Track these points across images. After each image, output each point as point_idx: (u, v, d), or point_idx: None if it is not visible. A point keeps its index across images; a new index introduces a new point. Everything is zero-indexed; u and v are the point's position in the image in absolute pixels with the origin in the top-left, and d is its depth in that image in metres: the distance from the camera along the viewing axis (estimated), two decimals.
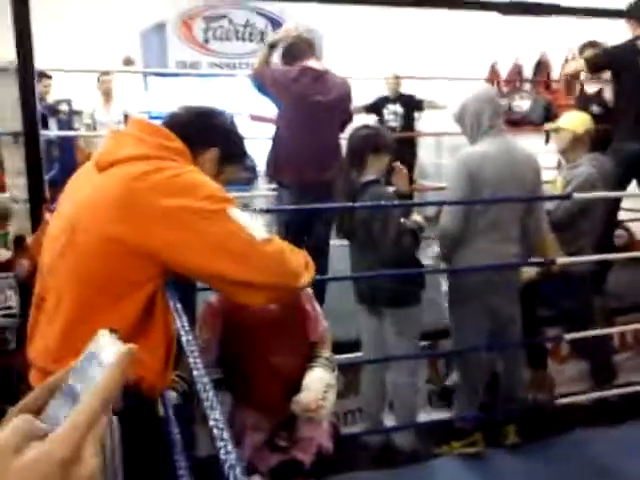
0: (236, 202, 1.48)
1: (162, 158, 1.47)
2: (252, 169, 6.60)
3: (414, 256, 2.88)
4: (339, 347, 3.29)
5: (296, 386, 2.00)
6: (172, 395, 1.80)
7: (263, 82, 3.49)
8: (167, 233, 1.38)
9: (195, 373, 1.06)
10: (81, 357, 0.57)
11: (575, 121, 3.58)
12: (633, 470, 2.85)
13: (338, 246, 3.49)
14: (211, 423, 0.88)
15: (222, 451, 0.81)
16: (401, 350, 2.89)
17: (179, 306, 1.36)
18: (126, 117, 6.60)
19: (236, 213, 1.42)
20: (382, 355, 2.97)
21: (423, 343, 3.28)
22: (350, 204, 2.82)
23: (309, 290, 2.13)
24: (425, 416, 3.30)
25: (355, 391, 3.34)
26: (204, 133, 1.63)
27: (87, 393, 0.53)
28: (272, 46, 3.52)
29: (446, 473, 2.97)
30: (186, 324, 1.27)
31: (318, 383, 1.97)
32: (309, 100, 3.38)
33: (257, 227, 1.45)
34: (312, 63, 3.46)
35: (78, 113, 7.00)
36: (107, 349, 0.58)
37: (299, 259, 1.55)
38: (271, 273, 1.45)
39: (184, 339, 1.22)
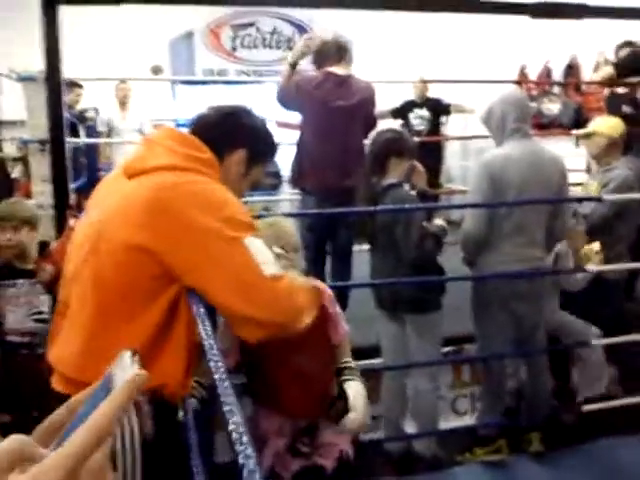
0: (254, 227, 1.48)
1: (190, 170, 1.47)
2: (277, 174, 6.62)
3: (435, 261, 2.86)
4: (360, 353, 3.29)
5: (319, 389, 2.00)
6: (191, 401, 1.80)
7: (288, 96, 3.49)
8: (186, 249, 1.39)
9: (216, 376, 1.05)
10: (101, 379, 0.58)
11: (610, 125, 3.56)
12: None
13: (359, 251, 3.48)
14: (231, 427, 0.87)
15: (241, 455, 0.80)
16: (422, 356, 2.86)
17: (202, 310, 1.35)
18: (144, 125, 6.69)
19: (252, 243, 1.42)
20: (403, 361, 2.94)
21: (447, 349, 3.24)
22: (371, 208, 2.81)
23: (330, 292, 2.12)
24: (447, 423, 3.26)
25: (376, 398, 3.31)
26: (231, 135, 1.62)
27: (87, 422, 0.51)
28: (294, 66, 3.51)
29: None
30: (209, 328, 1.26)
31: (361, 399, 1.97)
32: (331, 105, 3.38)
33: (269, 261, 1.44)
34: (335, 68, 3.46)
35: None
36: (122, 374, 0.58)
37: (305, 297, 1.55)
38: (276, 312, 1.45)
39: (206, 344, 1.22)
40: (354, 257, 3.65)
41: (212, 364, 1.10)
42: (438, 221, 2.82)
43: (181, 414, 1.62)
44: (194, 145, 1.54)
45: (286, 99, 3.51)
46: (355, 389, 1.98)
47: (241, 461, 0.78)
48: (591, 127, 3.64)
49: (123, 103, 6.63)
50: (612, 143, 3.48)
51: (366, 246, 3.07)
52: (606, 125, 3.56)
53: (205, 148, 1.54)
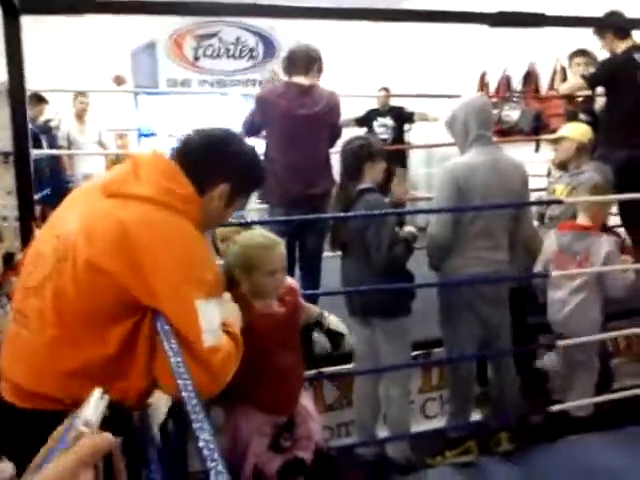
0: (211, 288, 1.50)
1: (167, 206, 1.48)
2: None
3: (404, 266, 2.90)
4: (332, 359, 3.31)
5: (297, 383, 2.16)
6: (158, 413, 1.81)
7: (252, 120, 3.53)
8: (148, 288, 1.42)
9: (184, 395, 1.06)
10: (70, 418, 0.60)
11: (579, 131, 3.71)
12: (627, 476, 2.84)
13: (330, 257, 3.50)
14: (201, 444, 0.88)
15: (212, 472, 0.81)
16: (392, 361, 2.89)
17: (167, 328, 1.37)
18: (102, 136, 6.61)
19: (205, 307, 1.44)
20: (374, 366, 2.97)
21: (416, 353, 3.28)
22: (341, 214, 2.85)
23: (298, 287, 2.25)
24: (418, 427, 3.29)
25: (348, 403, 3.33)
26: (215, 169, 1.60)
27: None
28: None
29: None
30: (175, 346, 1.28)
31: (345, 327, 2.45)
32: (294, 114, 3.40)
33: (213, 329, 1.46)
34: (296, 79, 3.48)
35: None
36: (86, 415, 0.60)
37: (234, 360, 1.56)
38: (202, 382, 1.40)
39: (173, 361, 1.23)
40: (324, 263, 3.66)
41: (180, 382, 1.11)
42: (409, 228, 2.87)
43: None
44: (176, 179, 1.54)
45: (250, 124, 3.54)
46: (338, 324, 2.42)
47: (213, 478, 0.79)
48: (561, 132, 3.78)
49: (80, 116, 6.56)
50: (581, 148, 3.63)
51: (335, 252, 3.09)
52: (576, 131, 3.72)
53: (186, 183, 1.54)
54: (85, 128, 6.59)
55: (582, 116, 4.39)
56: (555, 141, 3.76)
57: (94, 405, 0.62)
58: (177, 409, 2.07)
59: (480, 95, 3.47)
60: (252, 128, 3.56)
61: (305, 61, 3.50)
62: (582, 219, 3.28)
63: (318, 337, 2.38)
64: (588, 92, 4.37)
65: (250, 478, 2.02)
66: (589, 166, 3.59)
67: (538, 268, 3.40)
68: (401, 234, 2.80)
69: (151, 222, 1.45)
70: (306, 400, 2.26)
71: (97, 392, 0.64)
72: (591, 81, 4.19)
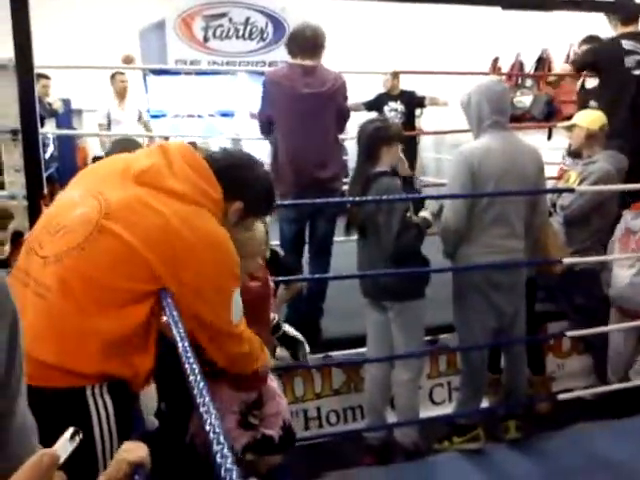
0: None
1: (201, 205, 1.56)
2: None
3: (419, 252, 2.87)
4: (340, 344, 3.31)
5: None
6: (151, 399, 1.83)
7: (262, 110, 3.52)
8: (186, 279, 1.51)
9: (191, 378, 1.09)
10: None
11: (589, 118, 3.62)
12: (634, 464, 2.83)
13: (343, 242, 3.48)
14: (207, 427, 0.91)
15: (218, 455, 0.82)
16: (405, 345, 2.88)
17: (175, 314, 1.39)
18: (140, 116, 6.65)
19: (235, 297, 1.63)
20: (386, 350, 2.95)
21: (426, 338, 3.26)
22: (356, 198, 2.83)
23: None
24: (425, 413, 3.28)
25: (356, 388, 3.33)
26: (235, 186, 1.67)
27: None
28: None
29: (447, 469, 2.95)
30: (182, 332, 1.30)
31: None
32: (300, 93, 3.35)
33: (239, 313, 1.66)
34: (300, 60, 3.43)
35: (78, 112, 6.99)
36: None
37: (257, 345, 1.84)
38: (244, 352, 1.75)
39: (180, 346, 1.25)
40: (339, 248, 3.64)
41: (187, 366, 1.14)
42: (424, 213, 2.84)
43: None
44: (210, 181, 1.60)
45: (262, 115, 3.54)
46: (293, 331, 2.38)
47: (218, 460, 0.82)
48: (574, 120, 3.70)
49: (122, 95, 6.62)
50: (591, 135, 3.54)
51: (348, 237, 3.07)
52: (586, 118, 3.63)
53: (218, 187, 1.61)
54: (125, 106, 6.61)
55: (592, 103, 4.31)
56: (569, 128, 3.70)
57: (63, 444, 0.64)
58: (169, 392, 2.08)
59: (498, 80, 3.40)
60: (265, 120, 3.53)
61: (310, 43, 3.44)
62: None
63: (276, 343, 2.36)
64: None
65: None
66: (601, 155, 3.52)
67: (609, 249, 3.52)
68: (414, 219, 2.78)
69: (192, 222, 1.51)
70: (269, 379, 2.25)
71: (69, 432, 0.65)
72: (577, 65, 4.18)
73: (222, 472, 0.79)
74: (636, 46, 3.91)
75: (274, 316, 2.31)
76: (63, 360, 1.41)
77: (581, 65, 4.17)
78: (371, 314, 2.98)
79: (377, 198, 2.74)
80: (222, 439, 0.86)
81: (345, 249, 3.35)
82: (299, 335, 2.38)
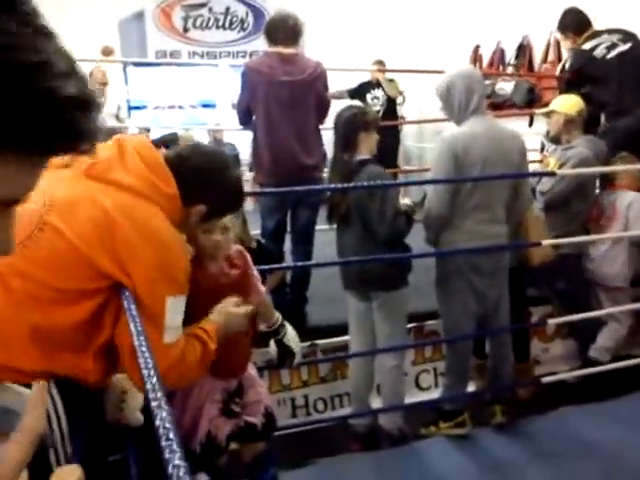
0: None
1: (149, 199, 1.49)
2: (236, 158, 6.55)
3: (403, 240, 2.88)
4: (325, 331, 3.32)
5: (244, 347, 2.12)
6: (137, 397, 1.81)
7: (242, 99, 3.49)
8: (135, 274, 1.45)
9: (145, 372, 1.09)
10: None
11: (567, 104, 3.64)
12: (617, 446, 2.86)
13: (324, 230, 3.47)
14: (157, 423, 0.90)
15: (167, 450, 0.82)
16: (388, 333, 2.89)
17: (133, 307, 1.38)
18: (118, 109, 6.55)
19: (172, 304, 1.51)
20: (370, 338, 2.96)
21: (410, 325, 3.28)
22: (336, 185, 2.82)
23: (248, 255, 2.18)
24: (412, 398, 3.30)
25: (342, 375, 3.34)
26: (198, 190, 1.62)
27: None
28: None
29: (433, 454, 2.97)
30: (139, 327, 1.29)
31: (299, 346, 2.29)
32: (278, 80, 3.33)
33: (175, 326, 1.54)
34: (280, 48, 3.41)
35: None
36: None
37: (195, 356, 1.64)
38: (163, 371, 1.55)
39: (136, 341, 1.25)
40: (316, 236, 3.64)
41: (141, 361, 1.14)
42: (406, 200, 2.85)
43: None
44: (163, 176, 1.54)
45: (241, 104, 3.52)
46: (294, 340, 2.25)
47: (167, 456, 0.81)
48: (551, 106, 3.72)
49: (101, 91, 6.49)
50: (569, 120, 3.56)
51: (331, 226, 3.06)
52: (563, 103, 3.65)
53: (172, 182, 1.55)
54: (105, 101, 6.52)
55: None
56: (547, 115, 3.72)
57: None
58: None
59: (472, 67, 3.42)
60: (244, 109, 3.52)
61: (287, 31, 3.42)
62: None
63: (271, 345, 2.31)
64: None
65: (203, 444, 2.02)
66: (579, 140, 3.55)
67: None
68: (402, 207, 2.79)
69: (133, 214, 1.45)
70: (248, 367, 2.25)
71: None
72: (566, 86, 4.20)
73: (170, 468, 0.78)
74: (596, 41, 3.99)
75: (278, 317, 2.25)
76: (7, 358, 1.40)
77: (566, 84, 4.23)
78: (353, 302, 2.98)
79: (367, 184, 2.72)
80: (172, 435, 0.85)
81: (326, 238, 3.34)
82: (296, 347, 2.28)
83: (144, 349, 1.18)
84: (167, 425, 0.88)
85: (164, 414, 0.91)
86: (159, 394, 0.98)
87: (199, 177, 1.63)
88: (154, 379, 1.04)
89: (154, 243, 1.47)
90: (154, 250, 1.46)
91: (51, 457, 1.40)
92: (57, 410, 1.43)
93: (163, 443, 0.83)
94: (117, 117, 6.56)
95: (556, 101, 3.75)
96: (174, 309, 1.51)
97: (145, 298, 1.46)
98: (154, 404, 0.95)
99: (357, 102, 3.48)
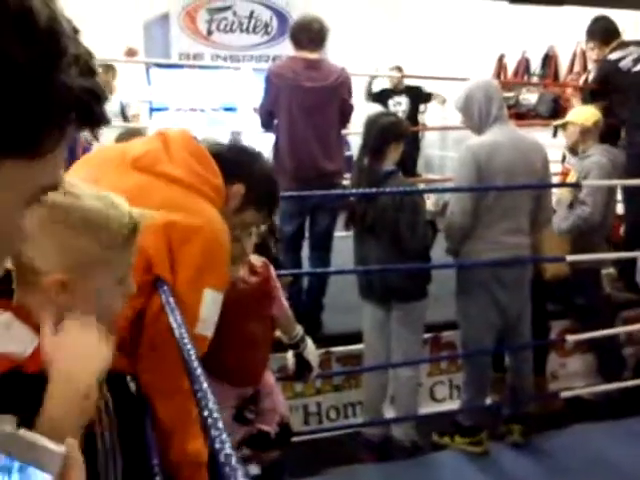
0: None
1: (200, 193, 1.49)
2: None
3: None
4: (341, 339, 3.29)
5: (262, 356, 2.13)
6: None
7: (265, 103, 3.47)
8: (180, 264, 1.44)
9: (190, 365, 1.07)
10: None
11: (583, 115, 3.63)
12: (635, 464, 2.81)
13: (342, 237, 3.44)
14: (204, 413, 0.89)
15: (217, 440, 0.79)
16: (406, 344, 2.87)
17: (172, 300, 1.36)
18: (123, 108, 6.58)
19: (210, 297, 1.48)
20: (386, 347, 2.93)
21: (425, 335, 3.24)
22: (359, 191, 2.81)
23: (272, 267, 2.18)
24: (426, 410, 3.27)
25: (356, 384, 3.31)
26: (237, 168, 1.64)
27: None
28: None
29: (446, 467, 2.94)
30: (179, 318, 1.27)
31: (317, 361, 2.30)
32: (302, 85, 3.32)
33: (210, 320, 1.51)
34: (303, 53, 3.40)
35: None
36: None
37: None
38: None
39: (177, 332, 1.23)
40: (334, 243, 3.61)
41: (184, 353, 1.12)
42: (429, 205, 2.82)
43: None
44: (210, 167, 1.55)
45: (263, 108, 3.51)
46: (313, 354, 2.26)
47: (217, 446, 0.81)
48: (567, 117, 3.73)
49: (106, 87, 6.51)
50: (586, 131, 3.55)
51: (348, 232, 3.04)
52: (579, 115, 3.65)
53: (218, 172, 1.56)
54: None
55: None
56: (563, 126, 3.71)
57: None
58: None
59: (490, 78, 3.42)
60: (266, 113, 3.51)
61: (313, 34, 3.40)
62: None
63: (290, 357, 2.31)
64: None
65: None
66: (596, 149, 3.51)
67: None
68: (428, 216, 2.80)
69: (184, 207, 1.45)
70: (267, 374, 2.23)
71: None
72: (590, 97, 4.17)
73: (222, 457, 0.77)
74: (623, 52, 3.94)
75: (299, 330, 2.24)
76: None
77: (590, 94, 4.19)
78: (370, 311, 2.95)
79: (390, 191, 2.71)
80: (220, 425, 0.85)
81: (344, 245, 3.32)
82: (314, 363, 2.29)
83: (185, 341, 1.16)
84: (215, 415, 0.87)
85: (211, 404, 0.90)
86: (204, 385, 0.97)
87: (235, 157, 1.67)
88: (198, 370, 1.03)
89: (204, 235, 1.45)
90: (203, 241, 1.45)
91: None
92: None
93: (213, 433, 0.82)
94: (123, 115, 6.58)
95: (572, 112, 3.78)
96: (211, 303, 1.49)
97: (187, 288, 1.44)
98: (200, 394, 0.94)
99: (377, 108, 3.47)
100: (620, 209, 4.02)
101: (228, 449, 0.77)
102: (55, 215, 0.91)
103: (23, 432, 0.60)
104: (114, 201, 0.98)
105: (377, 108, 5.94)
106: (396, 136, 2.79)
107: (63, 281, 0.90)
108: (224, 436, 0.80)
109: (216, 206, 1.53)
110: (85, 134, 6.96)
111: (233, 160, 1.62)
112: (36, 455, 0.59)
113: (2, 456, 0.59)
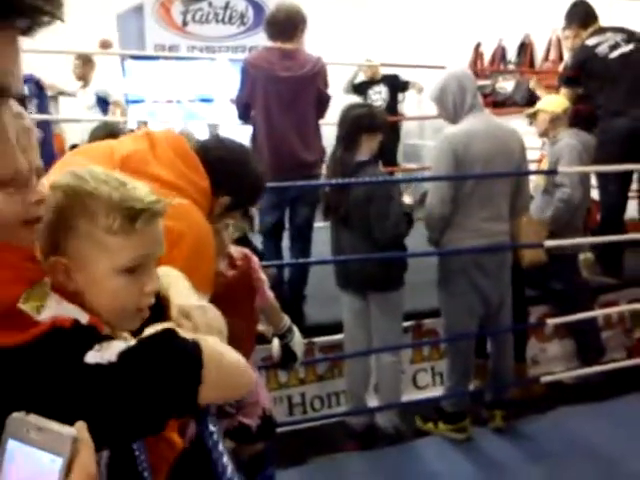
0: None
1: (186, 194, 1.50)
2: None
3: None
4: (323, 329, 3.29)
5: (246, 348, 2.03)
6: None
7: (241, 94, 3.45)
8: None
9: None
10: None
11: (553, 103, 3.72)
12: (615, 447, 2.86)
13: (321, 228, 3.45)
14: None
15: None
16: (385, 332, 2.87)
17: None
18: (100, 100, 6.52)
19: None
20: (366, 336, 2.94)
21: (407, 323, 3.25)
22: (338, 181, 2.79)
23: (257, 259, 2.19)
24: (409, 397, 3.29)
25: (339, 373, 3.32)
26: (225, 180, 1.65)
27: None
28: None
29: (430, 453, 2.96)
30: None
31: (302, 350, 2.32)
32: (277, 75, 3.29)
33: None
34: (279, 43, 3.37)
35: (54, 97, 6.86)
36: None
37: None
38: None
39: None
40: (314, 233, 3.61)
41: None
42: (407, 198, 2.82)
43: None
44: (197, 170, 1.56)
45: (240, 99, 3.48)
46: (299, 345, 2.28)
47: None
48: (537, 106, 3.79)
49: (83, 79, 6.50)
50: (555, 119, 3.61)
51: (326, 222, 3.03)
52: (549, 103, 3.72)
53: (205, 175, 1.57)
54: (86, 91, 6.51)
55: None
56: (532, 115, 3.75)
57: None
58: None
59: (463, 67, 3.45)
60: (243, 105, 3.48)
61: (288, 25, 3.37)
62: None
63: (275, 345, 2.31)
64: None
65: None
66: (565, 133, 3.57)
67: None
68: (403, 208, 2.77)
69: (171, 210, 1.42)
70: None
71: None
72: (562, 81, 4.21)
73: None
74: (600, 38, 3.95)
75: (286, 321, 2.25)
76: None
77: (565, 80, 4.21)
78: (348, 301, 2.95)
79: (368, 181, 2.70)
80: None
81: (323, 235, 3.32)
82: (300, 353, 2.30)
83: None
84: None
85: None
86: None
87: (224, 168, 1.65)
88: None
89: (191, 238, 1.46)
90: (190, 245, 1.46)
91: None
92: None
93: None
94: (101, 107, 6.52)
95: (542, 101, 3.85)
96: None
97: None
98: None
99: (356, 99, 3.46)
100: (595, 195, 4.07)
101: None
102: (64, 198, 0.89)
103: (33, 417, 0.60)
104: (126, 184, 0.92)
105: (356, 100, 5.95)
106: (369, 127, 2.77)
107: (65, 265, 0.88)
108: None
109: (201, 208, 1.54)
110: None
111: (220, 173, 1.61)
112: (46, 438, 0.59)
113: (13, 440, 0.59)
